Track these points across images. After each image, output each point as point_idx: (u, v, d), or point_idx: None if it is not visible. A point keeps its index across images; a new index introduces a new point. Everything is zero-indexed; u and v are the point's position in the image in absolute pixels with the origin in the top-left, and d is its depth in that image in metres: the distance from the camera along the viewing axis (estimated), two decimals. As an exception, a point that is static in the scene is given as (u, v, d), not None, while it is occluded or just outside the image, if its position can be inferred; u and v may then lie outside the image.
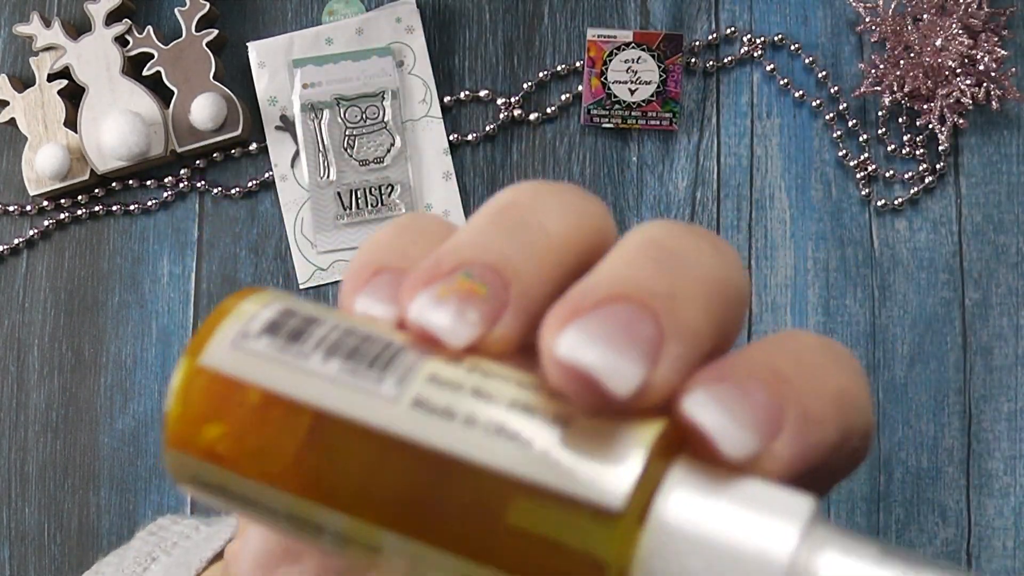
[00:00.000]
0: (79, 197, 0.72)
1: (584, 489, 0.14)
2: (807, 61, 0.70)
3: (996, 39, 0.67)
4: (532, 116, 0.71)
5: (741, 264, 0.17)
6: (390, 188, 0.70)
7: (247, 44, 0.72)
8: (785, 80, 0.70)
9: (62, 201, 0.73)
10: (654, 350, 0.14)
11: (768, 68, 0.70)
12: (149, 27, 0.71)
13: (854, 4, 0.69)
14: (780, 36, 0.70)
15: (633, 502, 0.14)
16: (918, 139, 0.69)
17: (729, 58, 0.70)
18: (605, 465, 0.14)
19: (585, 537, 0.14)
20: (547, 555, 0.14)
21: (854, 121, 0.69)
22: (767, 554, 0.13)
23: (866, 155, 0.69)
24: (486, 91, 0.71)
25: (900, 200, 0.69)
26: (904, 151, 0.69)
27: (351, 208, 0.71)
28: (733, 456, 0.14)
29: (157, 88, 0.71)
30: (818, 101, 0.70)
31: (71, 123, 0.71)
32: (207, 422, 0.15)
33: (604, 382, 0.14)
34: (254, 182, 0.72)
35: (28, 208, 0.73)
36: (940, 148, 0.68)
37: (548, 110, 0.71)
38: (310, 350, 0.15)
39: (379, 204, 0.70)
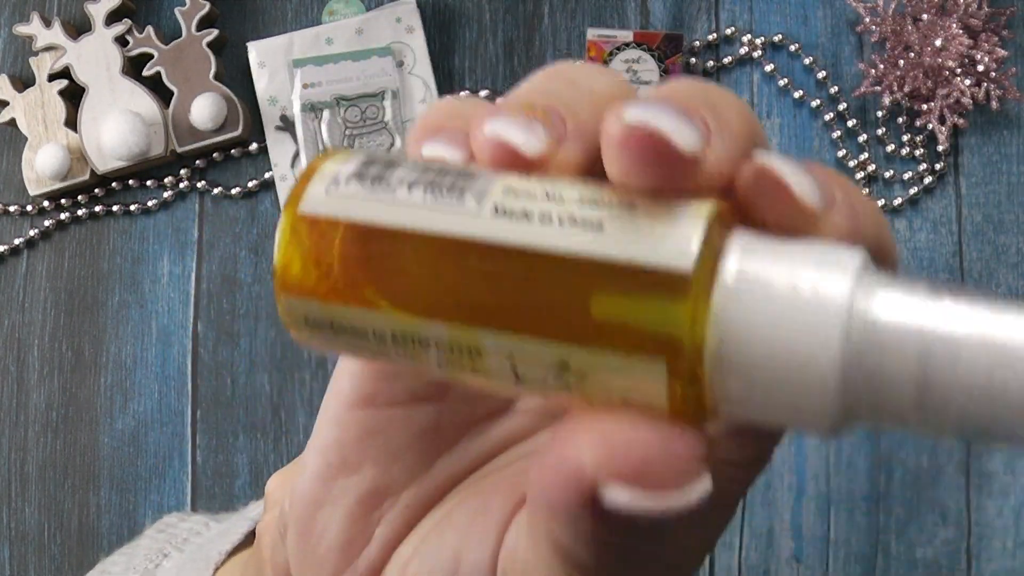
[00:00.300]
0: (79, 197, 0.72)
1: (655, 256, 0.15)
2: (807, 61, 0.70)
3: (996, 39, 0.67)
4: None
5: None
6: (390, 188, 0.70)
7: (247, 44, 0.72)
8: (785, 80, 0.70)
9: (62, 201, 0.73)
10: (706, 132, 0.16)
11: (768, 68, 0.70)
12: (149, 27, 0.71)
13: (854, 4, 0.69)
14: (780, 36, 0.70)
15: (701, 263, 0.15)
16: (918, 139, 0.69)
17: (729, 58, 0.70)
18: (671, 235, 0.15)
19: (662, 303, 0.15)
20: (629, 327, 0.15)
21: (854, 121, 0.69)
22: (827, 299, 0.14)
23: (866, 155, 0.69)
24: (486, 91, 0.71)
25: (900, 200, 0.69)
26: (904, 151, 0.69)
27: (351, 208, 0.71)
28: (806, 202, 0.15)
29: (157, 88, 0.71)
30: (818, 101, 0.70)
31: (71, 123, 0.71)
32: (313, 263, 0.17)
33: (670, 137, 0.15)
34: (254, 182, 0.72)
35: (28, 208, 0.73)
36: (940, 148, 0.68)
37: (548, 110, 0.71)
38: (395, 186, 0.17)
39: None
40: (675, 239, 0.15)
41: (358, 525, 0.21)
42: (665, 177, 0.15)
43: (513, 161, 0.17)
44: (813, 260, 0.15)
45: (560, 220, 0.16)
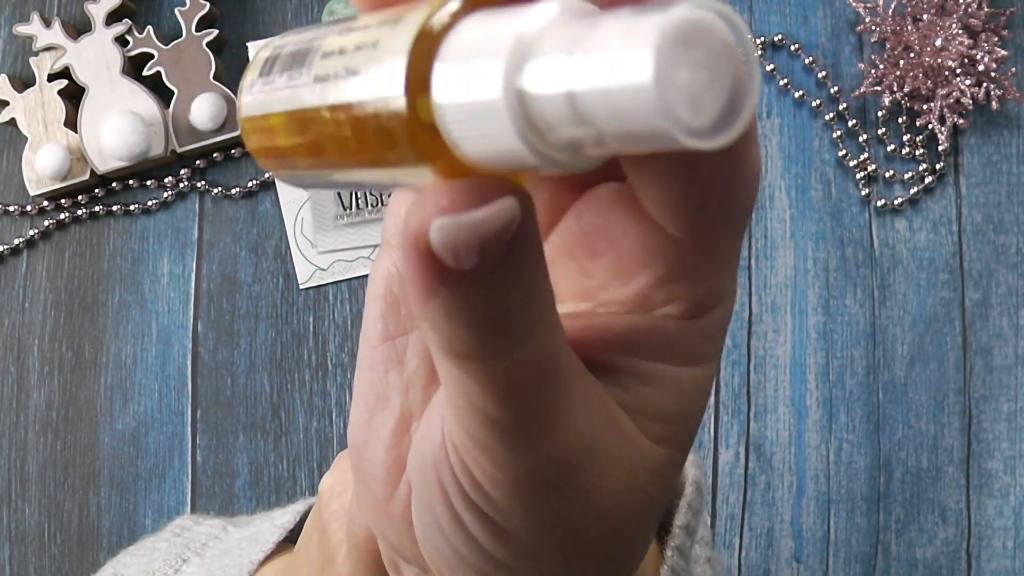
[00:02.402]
0: (79, 197, 0.72)
1: (381, 91, 0.18)
2: (807, 61, 0.70)
3: (996, 39, 0.67)
4: None
5: None
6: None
7: (247, 44, 0.72)
8: (785, 80, 0.70)
9: (62, 201, 0.73)
10: None
11: (768, 68, 0.70)
12: (149, 27, 0.71)
13: (854, 4, 0.69)
14: (780, 36, 0.70)
15: (410, 84, 0.17)
16: (918, 139, 0.69)
17: (729, 58, 0.70)
18: (387, 63, 0.18)
19: (397, 126, 0.17)
20: (387, 149, 0.18)
21: (854, 121, 0.69)
22: (486, 91, 0.16)
23: (866, 155, 0.69)
24: (486, 91, 0.71)
25: (900, 200, 0.69)
26: (904, 151, 0.69)
27: (351, 208, 0.71)
28: None
29: (157, 88, 0.71)
30: (818, 101, 0.70)
31: (71, 123, 0.71)
32: (251, 137, 0.22)
33: None
34: (254, 182, 0.72)
35: (28, 208, 0.73)
36: (940, 148, 0.68)
37: (548, 110, 0.71)
38: (275, 75, 0.21)
39: (379, 204, 0.70)
40: (387, 70, 0.18)
41: (393, 452, 0.23)
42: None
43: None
44: (495, 32, 0.17)
45: (336, 75, 0.19)
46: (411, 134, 0.17)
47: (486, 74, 0.16)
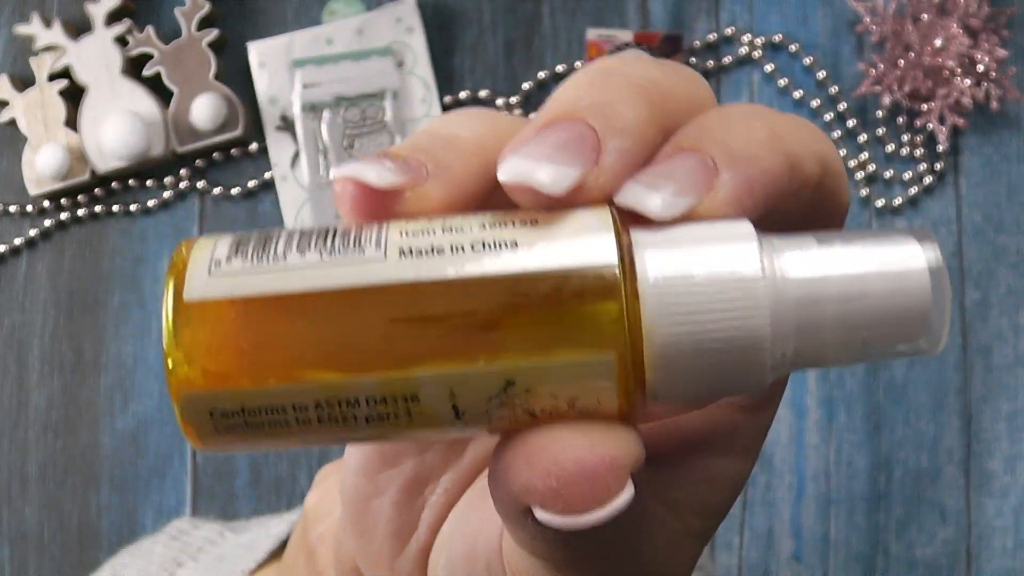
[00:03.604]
0: (79, 197, 0.72)
1: (581, 259, 0.16)
2: (807, 62, 0.70)
3: (996, 39, 0.67)
4: (532, 116, 0.71)
5: (690, 73, 0.19)
6: (390, 188, 0.70)
7: (247, 44, 0.72)
8: (785, 81, 0.70)
9: (62, 201, 0.73)
10: (591, 151, 0.17)
11: (768, 69, 0.70)
12: (149, 27, 0.71)
13: (854, 4, 0.69)
14: (780, 36, 0.70)
15: (621, 261, 0.16)
16: (918, 139, 0.69)
17: (729, 58, 0.70)
18: (586, 239, 0.16)
19: (598, 303, 0.16)
20: (571, 331, 0.16)
21: (854, 121, 0.69)
22: (741, 271, 0.16)
23: (866, 155, 0.69)
24: (486, 91, 0.71)
25: (900, 200, 0.69)
26: (904, 151, 0.69)
27: (351, 208, 0.71)
28: (664, 216, 0.17)
29: (157, 88, 0.71)
30: (818, 101, 0.70)
31: (71, 123, 0.71)
32: (214, 349, 0.16)
33: (544, 189, 0.17)
34: (254, 182, 0.72)
35: (28, 208, 0.73)
36: (940, 148, 0.68)
37: (548, 110, 0.71)
38: (282, 253, 0.16)
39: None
40: (591, 242, 0.16)
41: (405, 512, 0.22)
42: (552, 206, 0.17)
43: (369, 199, 0.17)
44: (714, 241, 0.16)
45: (473, 247, 0.16)
46: (620, 310, 0.16)
47: (730, 254, 0.16)
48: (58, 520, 0.71)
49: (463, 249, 0.16)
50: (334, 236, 0.17)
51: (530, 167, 0.17)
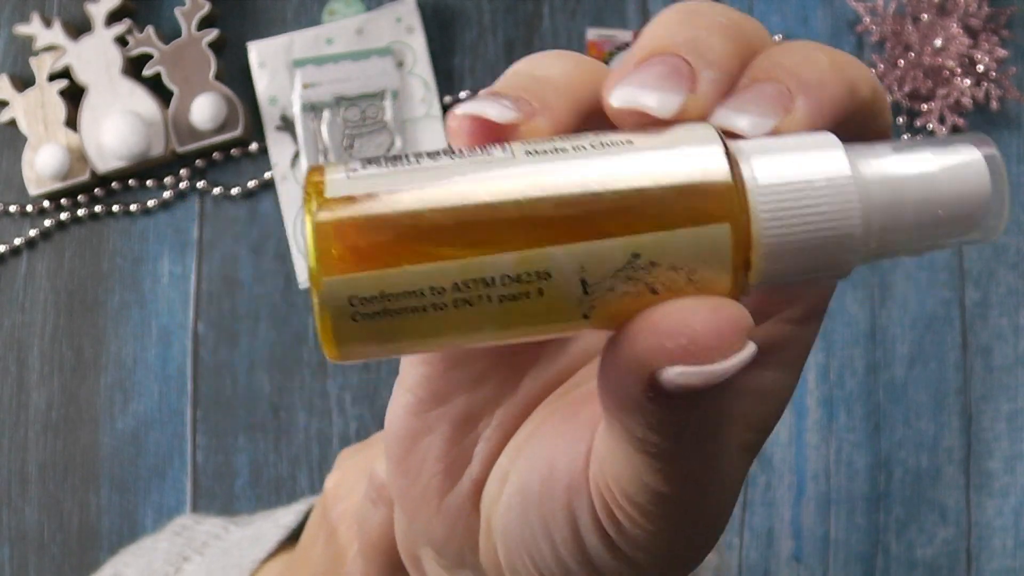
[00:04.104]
0: (79, 197, 0.72)
1: (693, 158, 0.18)
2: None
3: (996, 39, 0.67)
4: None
5: (750, 17, 0.21)
6: (390, 188, 0.70)
7: (247, 44, 0.72)
8: (785, 80, 0.70)
9: (62, 201, 0.73)
10: (688, 80, 0.19)
11: (768, 68, 0.70)
12: (149, 27, 0.71)
13: (854, 4, 0.69)
14: (780, 36, 0.70)
15: (729, 160, 0.18)
16: (918, 139, 0.69)
17: (729, 58, 0.70)
18: (697, 144, 0.18)
19: (710, 190, 0.18)
20: (693, 207, 0.18)
21: (854, 121, 0.69)
22: (834, 174, 0.18)
23: (866, 155, 0.69)
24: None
25: (900, 200, 0.69)
26: (904, 151, 0.69)
27: (351, 208, 0.71)
28: (753, 134, 0.19)
29: (157, 88, 0.71)
30: (818, 101, 0.70)
31: (71, 123, 0.71)
32: (350, 235, 0.17)
33: (654, 112, 0.19)
34: (254, 182, 0.72)
35: (28, 208, 0.73)
36: (940, 148, 0.68)
37: (548, 110, 0.71)
38: (414, 160, 0.18)
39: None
40: (704, 146, 0.18)
41: (458, 447, 0.23)
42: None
43: (488, 131, 0.19)
44: (807, 149, 0.19)
45: (592, 147, 0.18)
46: (729, 199, 0.18)
47: (823, 160, 0.18)
48: (58, 520, 0.71)
49: (585, 148, 0.18)
50: (460, 149, 0.18)
51: (639, 93, 0.19)
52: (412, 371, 0.23)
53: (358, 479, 0.32)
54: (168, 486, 0.71)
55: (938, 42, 0.67)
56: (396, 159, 0.18)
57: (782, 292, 0.22)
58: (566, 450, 0.21)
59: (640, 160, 0.18)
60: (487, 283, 0.17)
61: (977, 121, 0.69)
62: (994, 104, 0.67)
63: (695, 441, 0.19)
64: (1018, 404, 0.68)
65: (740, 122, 0.19)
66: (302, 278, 0.71)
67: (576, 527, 0.21)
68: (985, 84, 0.67)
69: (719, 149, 0.18)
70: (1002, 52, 0.67)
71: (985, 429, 0.68)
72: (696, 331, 0.17)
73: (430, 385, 0.23)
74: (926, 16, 0.67)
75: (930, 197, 0.19)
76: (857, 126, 0.21)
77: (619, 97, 0.19)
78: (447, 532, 0.23)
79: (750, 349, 0.17)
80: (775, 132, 0.19)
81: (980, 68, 0.67)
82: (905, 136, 0.69)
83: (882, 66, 0.68)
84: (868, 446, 0.68)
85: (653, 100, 0.19)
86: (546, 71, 0.21)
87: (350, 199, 0.17)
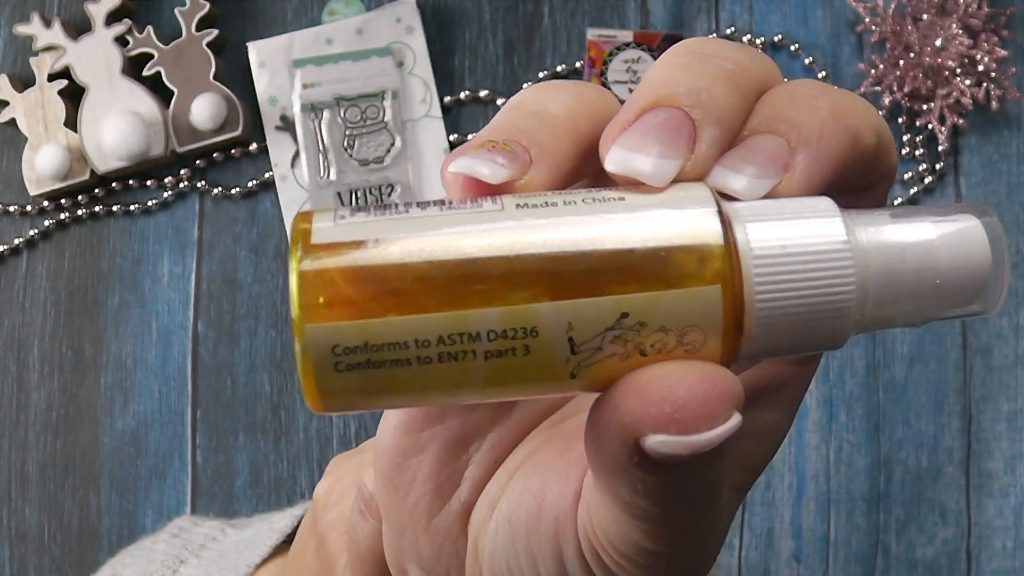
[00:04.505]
0: (79, 197, 0.72)
1: (690, 208, 0.18)
2: (807, 61, 0.70)
3: (996, 39, 0.67)
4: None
5: (760, 53, 0.21)
6: (390, 188, 0.70)
7: (247, 44, 0.72)
8: (785, 81, 0.70)
9: (62, 201, 0.73)
10: (688, 140, 0.19)
11: (768, 68, 0.70)
12: (149, 27, 0.71)
13: (854, 4, 0.69)
14: (780, 36, 0.70)
15: (723, 222, 0.18)
16: (918, 139, 0.69)
17: (729, 58, 0.70)
18: (691, 206, 0.18)
19: (697, 263, 0.17)
20: (683, 269, 0.17)
21: (854, 121, 0.69)
22: (830, 244, 0.18)
23: (866, 155, 0.69)
24: (486, 91, 0.71)
25: (900, 200, 0.69)
26: (904, 151, 0.69)
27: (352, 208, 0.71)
28: (749, 197, 0.19)
29: (157, 88, 0.71)
30: (818, 101, 0.70)
31: (71, 123, 0.71)
32: (344, 282, 0.17)
33: (647, 180, 0.18)
34: (254, 182, 0.72)
35: (28, 208, 0.73)
36: (940, 148, 0.68)
37: (548, 110, 0.71)
38: (403, 209, 0.18)
39: (379, 202, 0.70)
40: (697, 209, 0.18)
41: (448, 468, 0.23)
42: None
43: (482, 188, 0.19)
44: (803, 216, 0.18)
45: (584, 202, 0.18)
46: (727, 256, 0.17)
47: (819, 227, 0.18)
48: (58, 520, 0.71)
49: (576, 203, 0.18)
50: (450, 200, 0.18)
51: (633, 158, 0.19)
52: None
53: (349, 487, 0.32)
54: (168, 486, 0.71)
55: (938, 42, 0.67)
56: (386, 207, 0.18)
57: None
58: (557, 485, 0.21)
59: (631, 219, 0.18)
60: (473, 338, 0.17)
61: (977, 121, 0.69)
62: (994, 104, 0.67)
63: (684, 507, 0.19)
64: (1018, 404, 0.68)
65: (737, 184, 0.19)
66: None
67: (562, 561, 0.21)
68: (985, 84, 0.67)
69: (712, 210, 0.18)
70: (1002, 52, 0.67)
71: (985, 429, 0.68)
72: (681, 398, 0.17)
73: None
74: (926, 16, 0.67)
75: (928, 267, 0.19)
76: (860, 173, 0.20)
77: (613, 161, 0.19)
78: (434, 552, 0.23)
79: (735, 420, 0.17)
80: (774, 193, 0.19)
81: (980, 68, 0.67)
82: (905, 137, 0.69)
83: (882, 66, 0.68)
84: (868, 446, 0.68)
85: (648, 166, 0.18)
86: (546, 107, 0.20)
87: (337, 246, 0.17)
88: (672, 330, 0.17)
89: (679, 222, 0.18)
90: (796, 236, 0.18)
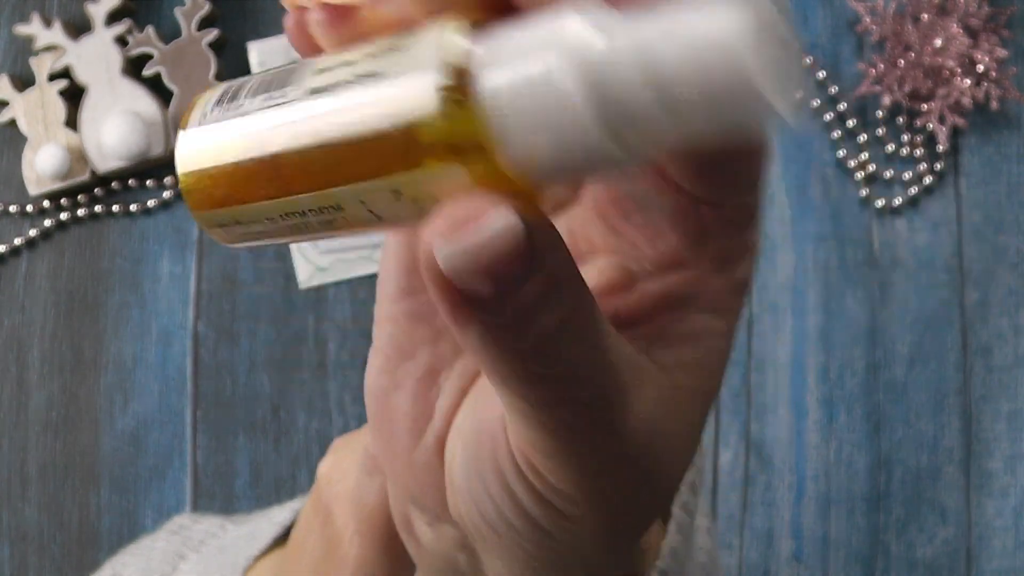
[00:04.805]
0: (79, 197, 0.72)
1: (409, 90, 0.18)
2: (807, 61, 0.70)
3: (996, 39, 0.67)
4: None
5: None
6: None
7: (247, 44, 0.72)
8: (785, 80, 0.70)
9: (62, 201, 0.73)
10: None
11: (768, 68, 0.70)
12: (149, 27, 0.71)
13: (854, 4, 0.69)
14: (780, 36, 0.70)
15: (451, 88, 0.17)
16: (918, 139, 0.69)
17: (729, 58, 0.70)
18: (421, 65, 0.18)
19: (445, 120, 0.17)
20: (428, 147, 0.17)
21: (854, 121, 0.69)
22: (556, 64, 0.17)
23: (866, 155, 0.69)
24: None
25: (900, 200, 0.69)
26: (904, 151, 0.69)
27: (351, 208, 0.71)
28: None
29: (157, 88, 0.71)
30: (818, 102, 0.70)
31: (71, 123, 0.71)
32: (204, 180, 0.21)
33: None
34: (254, 182, 0.72)
35: (28, 208, 0.73)
36: (940, 148, 0.68)
37: (548, 110, 0.71)
38: (242, 99, 0.20)
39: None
40: (422, 65, 0.18)
41: (421, 402, 0.23)
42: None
43: (329, 21, 0.19)
44: (531, 48, 0.17)
45: (348, 83, 0.19)
46: (452, 129, 0.17)
47: (553, 62, 0.17)
48: (58, 520, 0.71)
49: (346, 86, 0.19)
50: (274, 78, 0.20)
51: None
52: (380, 332, 0.24)
53: (352, 463, 0.33)
54: (168, 486, 0.71)
55: (938, 42, 0.67)
56: (233, 95, 0.21)
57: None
58: (491, 404, 0.21)
59: (370, 99, 0.18)
60: (302, 213, 0.20)
61: (977, 121, 0.69)
62: (994, 104, 0.67)
63: (563, 396, 0.19)
64: (1018, 404, 0.68)
65: None
66: (302, 278, 0.71)
67: (506, 482, 0.21)
68: (985, 84, 0.67)
69: (431, 78, 0.17)
70: (1002, 52, 0.67)
71: (985, 429, 0.68)
72: (460, 208, 0.17)
73: (395, 342, 0.23)
74: (926, 16, 0.67)
75: (673, 81, 0.16)
76: None
77: None
78: (420, 487, 0.24)
79: (507, 215, 0.17)
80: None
81: (980, 68, 0.67)
82: (905, 137, 0.69)
83: (882, 66, 0.68)
84: (868, 446, 0.68)
85: None
86: None
87: (197, 151, 0.21)
88: (441, 195, 0.18)
89: (404, 95, 0.18)
90: (523, 69, 0.17)
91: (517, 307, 0.17)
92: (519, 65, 0.17)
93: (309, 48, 0.20)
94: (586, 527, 0.21)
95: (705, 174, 0.20)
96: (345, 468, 0.32)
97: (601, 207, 0.22)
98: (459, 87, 0.17)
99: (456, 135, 0.17)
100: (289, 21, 0.20)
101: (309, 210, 0.20)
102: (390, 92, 0.18)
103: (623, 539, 0.22)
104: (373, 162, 0.18)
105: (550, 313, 0.18)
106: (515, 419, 0.20)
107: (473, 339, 0.18)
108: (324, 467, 0.33)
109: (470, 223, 0.17)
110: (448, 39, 0.18)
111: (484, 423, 0.21)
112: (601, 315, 0.19)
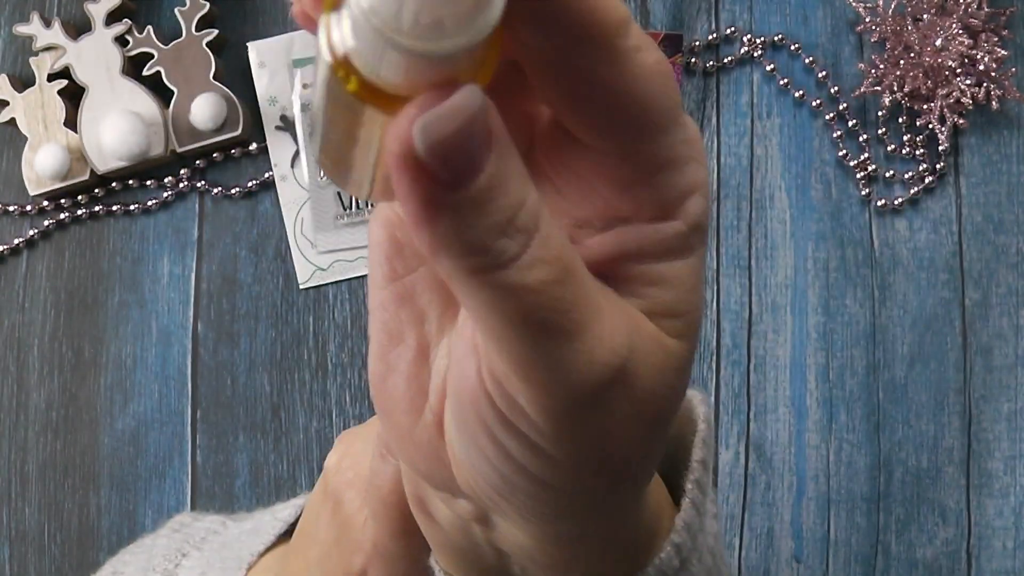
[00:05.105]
0: (79, 197, 0.72)
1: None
2: (807, 61, 0.70)
3: (996, 39, 0.67)
4: None
5: None
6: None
7: (247, 44, 0.72)
8: (785, 80, 0.70)
9: (62, 201, 0.73)
10: None
11: (768, 68, 0.70)
12: (149, 27, 0.71)
13: (854, 4, 0.69)
14: (780, 36, 0.70)
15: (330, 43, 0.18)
16: (918, 139, 0.69)
17: (729, 58, 0.70)
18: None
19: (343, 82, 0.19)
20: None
21: (854, 121, 0.69)
22: None
23: (866, 155, 0.69)
24: (486, 91, 0.71)
25: (900, 200, 0.69)
26: (904, 151, 0.69)
27: (351, 208, 0.71)
28: None
29: (157, 88, 0.71)
30: (818, 101, 0.70)
31: (71, 123, 0.71)
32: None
33: None
34: (254, 182, 0.72)
35: (28, 208, 0.73)
36: (940, 148, 0.68)
37: (548, 110, 0.71)
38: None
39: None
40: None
41: (414, 383, 0.24)
42: None
43: None
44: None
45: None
46: (340, 85, 0.19)
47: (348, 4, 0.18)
48: (58, 520, 0.71)
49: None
50: None
51: None
52: (372, 320, 0.24)
53: (361, 451, 0.33)
54: (168, 486, 0.71)
55: (938, 42, 0.67)
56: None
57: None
58: (459, 367, 0.22)
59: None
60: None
61: (977, 121, 0.69)
62: (994, 104, 0.67)
63: (520, 233, 0.19)
64: (1018, 404, 0.68)
65: None
66: (302, 278, 0.71)
67: (492, 433, 0.21)
68: (985, 84, 0.67)
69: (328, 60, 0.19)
70: (1002, 52, 0.67)
71: (985, 429, 0.68)
72: (423, 97, 0.18)
73: (386, 328, 0.24)
74: (926, 16, 0.67)
75: None
76: None
77: None
78: (428, 466, 0.24)
79: (470, 86, 0.18)
80: None
81: (980, 68, 0.67)
82: (905, 137, 0.69)
83: (882, 66, 0.68)
84: (868, 446, 0.68)
85: None
86: None
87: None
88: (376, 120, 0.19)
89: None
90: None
91: (490, 175, 0.18)
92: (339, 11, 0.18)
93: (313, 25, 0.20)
94: (573, 464, 0.21)
95: (588, 124, 0.20)
96: (355, 456, 0.33)
97: (543, 169, 0.22)
98: (339, 63, 0.18)
99: (355, 85, 0.18)
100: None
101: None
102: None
103: (618, 477, 0.22)
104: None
105: (512, 185, 0.19)
106: (490, 345, 0.20)
107: (444, 232, 0.18)
108: (332, 458, 0.34)
109: (442, 97, 0.18)
110: (322, 33, 0.19)
111: (463, 380, 0.22)
112: (558, 223, 0.20)
